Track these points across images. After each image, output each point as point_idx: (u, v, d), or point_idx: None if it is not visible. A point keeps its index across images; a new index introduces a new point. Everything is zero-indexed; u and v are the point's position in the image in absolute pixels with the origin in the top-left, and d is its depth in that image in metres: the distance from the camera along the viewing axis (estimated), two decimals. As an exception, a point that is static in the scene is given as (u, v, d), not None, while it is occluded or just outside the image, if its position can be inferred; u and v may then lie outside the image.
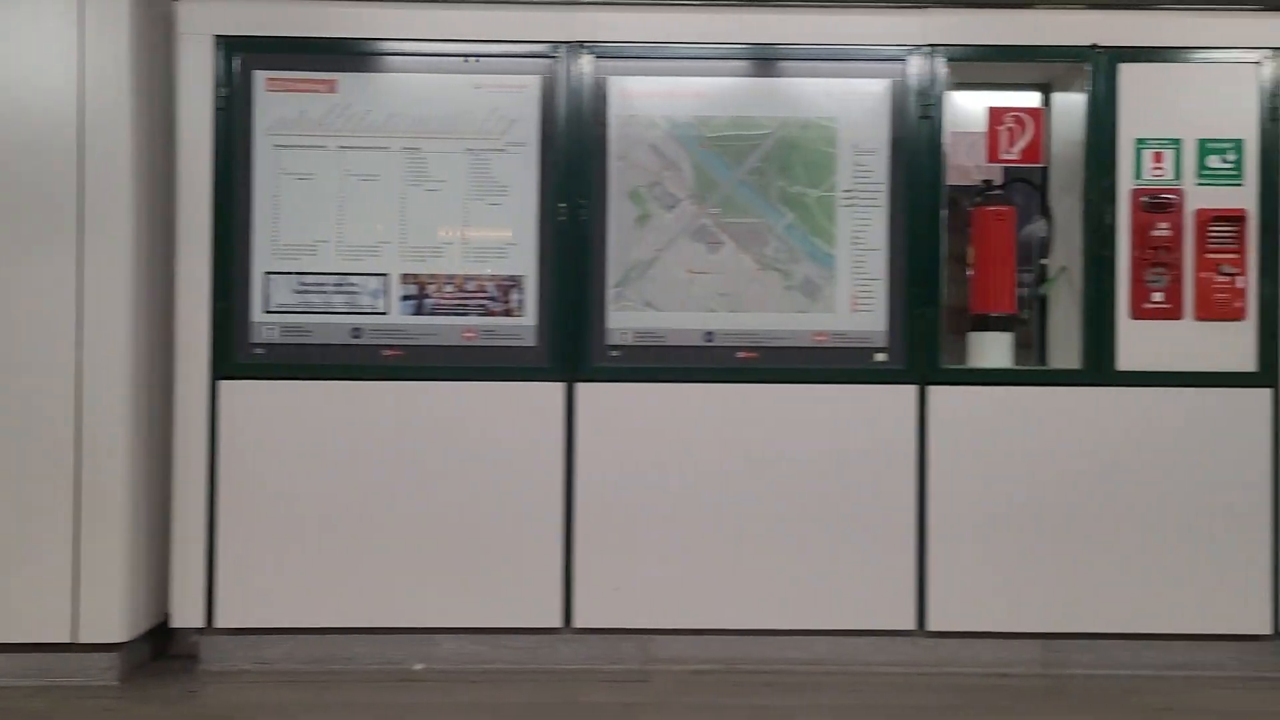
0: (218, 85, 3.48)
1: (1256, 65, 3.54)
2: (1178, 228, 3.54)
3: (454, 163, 3.53)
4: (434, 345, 3.53)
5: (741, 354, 3.55)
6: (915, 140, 3.54)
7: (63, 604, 3.28)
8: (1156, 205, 3.54)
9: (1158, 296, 3.54)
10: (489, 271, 3.54)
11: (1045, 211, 3.83)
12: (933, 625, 3.53)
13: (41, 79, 3.27)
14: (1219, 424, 3.53)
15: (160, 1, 3.50)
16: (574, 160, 3.53)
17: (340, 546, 3.50)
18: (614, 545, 3.52)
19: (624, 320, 3.54)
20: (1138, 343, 3.54)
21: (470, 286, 3.54)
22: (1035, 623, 3.54)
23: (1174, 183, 3.54)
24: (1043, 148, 3.64)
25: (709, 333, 3.55)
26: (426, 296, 3.53)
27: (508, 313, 3.54)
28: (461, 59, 3.54)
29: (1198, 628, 3.54)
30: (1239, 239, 3.53)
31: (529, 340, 3.54)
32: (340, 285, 3.52)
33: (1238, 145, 3.54)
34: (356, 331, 3.53)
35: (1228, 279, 3.53)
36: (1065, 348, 3.69)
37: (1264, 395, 3.53)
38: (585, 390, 3.53)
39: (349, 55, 3.53)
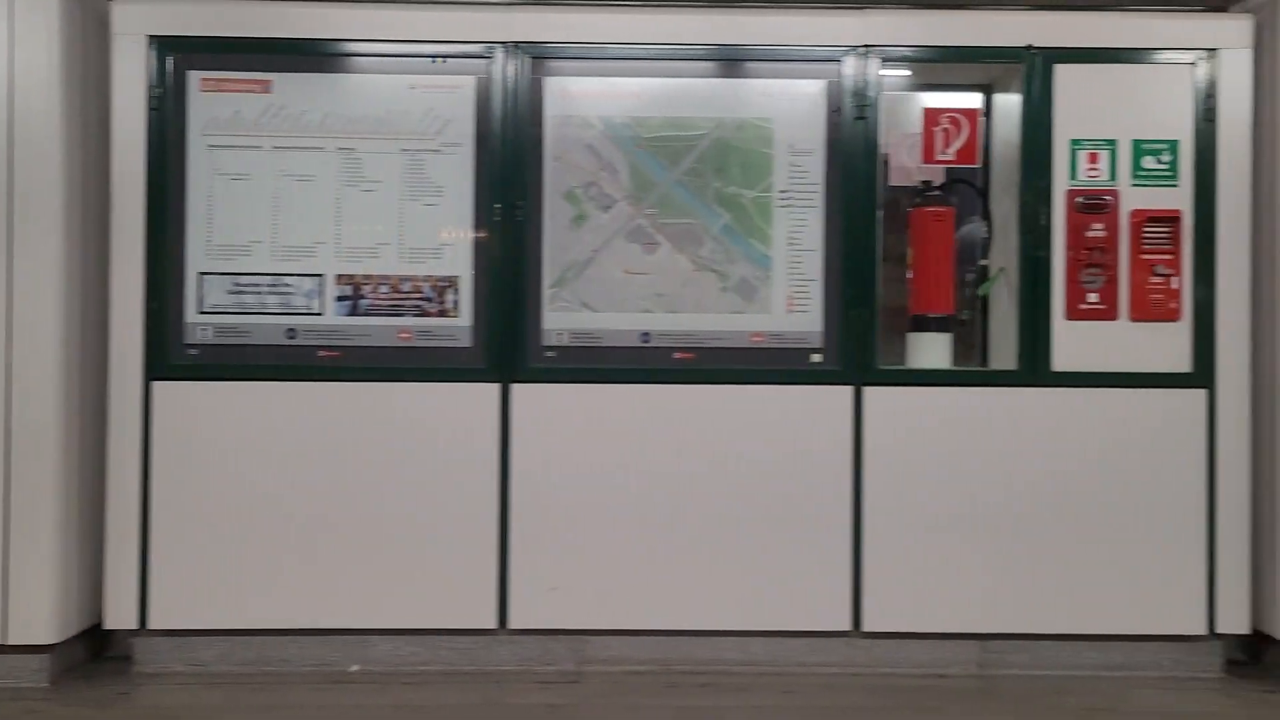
0: (151, 85, 3.47)
1: (1191, 66, 3.54)
2: (1113, 228, 3.54)
3: (389, 163, 3.53)
4: (369, 346, 3.52)
5: (678, 355, 3.55)
6: (851, 141, 3.54)
7: (-9, 605, 3.27)
8: (1091, 206, 3.54)
9: (1093, 297, 3.54)
10: (424, 272, 3.53)
11: (985, 212, 3.84)
12: (868, 626, 3.53)
13: (-30, 79, 3.27)
14: (1154, 425, 3.53)
15: (95, 2, 3.49)
16: (510, 161, 3.52)
17: (275, 548, 3.49)
18: (549, 546, 3.51)
19: (560, 321, 3.54)
20: (1073, 343, 3.54)
21: (406, 287, 3.53)
22: (971, 623, 3.54)
23: (1109, 184, 3.55)
24: (978, 148, 3.64)
25: (645, 333, 3.55)
26: (362, 297, 3.53)
27: (443, 313, 3.53)
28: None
29: (1134, 628, 3.54)
30: (1174, 240, 3.53)
31: (464, 341, 3.53)
32: (275, 286, 3.52)
33: (1173, 146, 3.55)
34: (291, 332, 3.52)
35: (1163, 280, 3.53)
36: (1006, 349, 3.69)
37: (1199, 396, 3.53)
38: (520, 391, 3.52)
39: (284, 55, 3.52)
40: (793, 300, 3.56)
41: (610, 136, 3.55)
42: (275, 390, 3.51)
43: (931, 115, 3.62)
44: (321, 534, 3.49)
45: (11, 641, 3.29)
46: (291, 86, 3.52)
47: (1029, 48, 3.55)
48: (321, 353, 3.52)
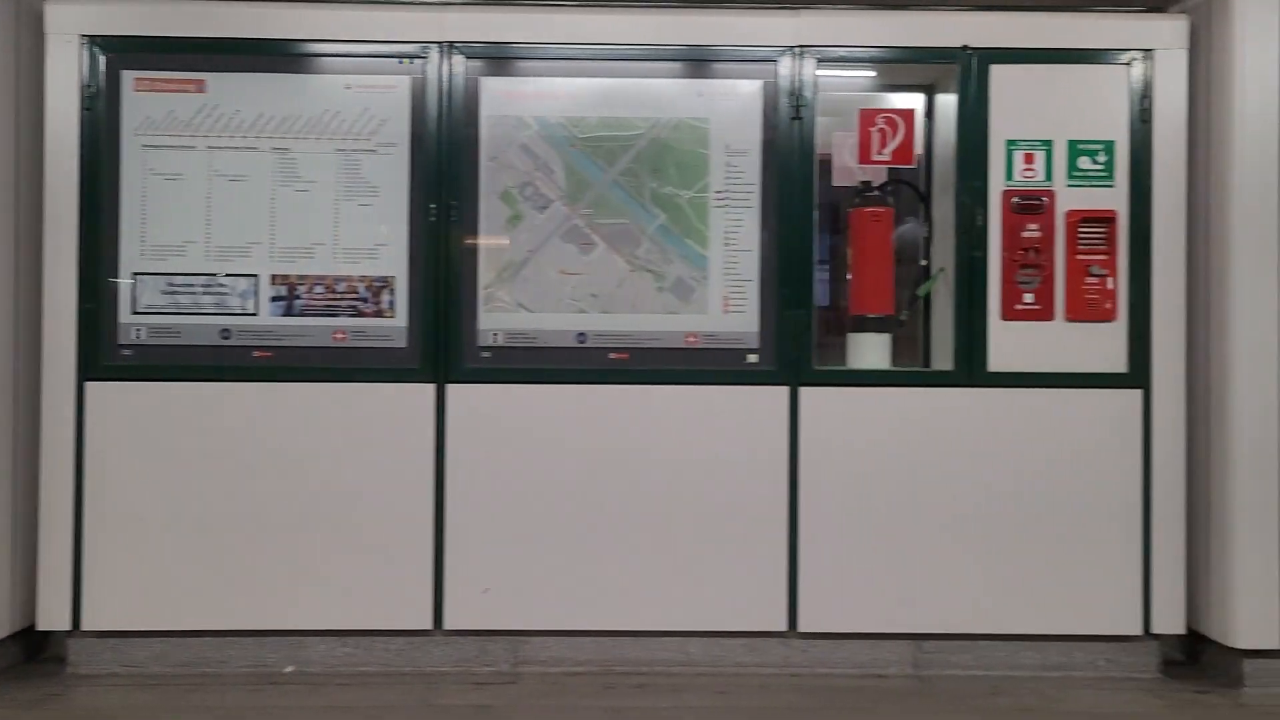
0: (85, 85, 3.47)
1: (1127, 67, 3.55)
2: (1048, 229, 3.54)
3: (324, 163, 3.52)
4: (304, 346, 3.52)
5: (614, 355, 3.54)
6: (787, 141, 3.54)
7: (-80, 607, 3.27)
8: (1027, 206, 3.54)
9: (1028, 298, 3.54)
10: (360, 272, 3.52)
11: (927, 213, 3.84)
12: (805, 626, 3.53)
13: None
14: (1090, 425, 3.53)
15: (29, 1, 3.48)
16: (445, 161, 3.52)
17: (212, 549, 3.48)
18: (485, 547, 3.51)
19: (495, 321, 3.54)
20: (1009, 344, 3.54)
21: (341, 287, 3.52)
22: (908, 624, 3.54)
23: (1045, 184, 3.55)
24: (914, 149, 3.63)
25: (581, 334, 3.55)
26: (297, 297, 3.52)
27: (379, 314, 3.53)
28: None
29: (1071, 628, 3.55)
30: (1109, 240, 3.53)
31: (400, 341, 3.52)
32: (209, 286, 3.51)
33: (1108, 146, 3.55)
34: (226, 333, 3.51)
35: (1098, 280, 3.53)
36: (947, 349, 3.69)
37: (1134, 396, 3.53)
38: (456, 391, 3.52)
39: (218, 55, 3.52)
40: (729, 301, 3.55)
41: (546, 137, 3.55)
42: (210, 391, 3.50)
43: (867, 116, 3.61)
44: (257, 535, 3.48)
45: (-60, 643, 3.28)
46: (226, 86, 3.51)
47: (965, 48, 3.55)
48: (256, 353, 3.51)
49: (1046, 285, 3.54)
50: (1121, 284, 3.54)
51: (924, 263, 3.82)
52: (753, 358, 3.55)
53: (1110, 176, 3.55)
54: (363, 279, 3.52)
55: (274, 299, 3.51)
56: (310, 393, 3.51)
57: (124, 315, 3.49)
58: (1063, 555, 3.52)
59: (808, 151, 3.55)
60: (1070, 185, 3.55)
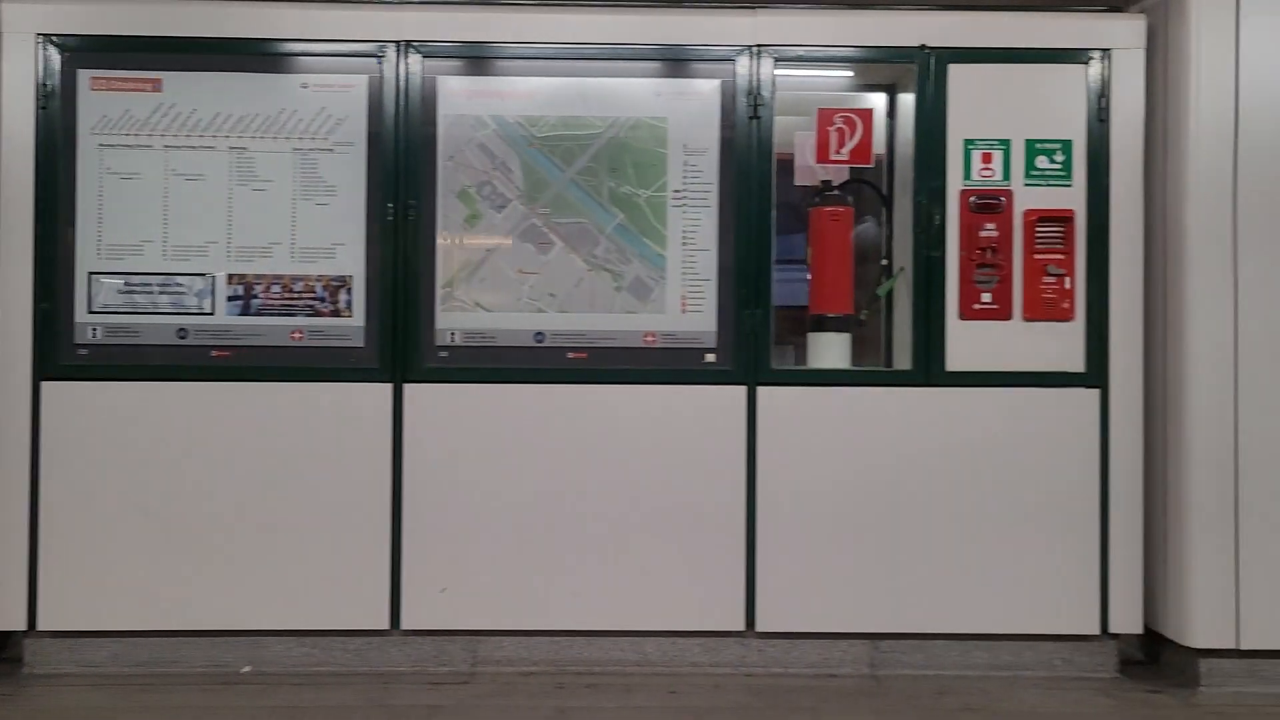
0: (40, 84, 3.46)
1: (1084, 66, 3.54)
2: (1006, 228, 3.54)
3: (281, 162, 3.52)
4: (261, 346, 3.51)
5: (572, 355, 3.54)
6: (745, 141, 3.54)
7: (-127, 607, 3.26)
8: (985, 206, 3.54)
9: (986, 297, 3.54)
10: (317, 272, 3.52)
11: (888, 212, 3.84)
12: (761, 626, 3.53)
13: None
14: (1048, 425, 3.53)
15: (-15, 0, 3.48)
16: (403, 160, 3.51)
17: (168, 548, 3.47)
18: (443, 546, 3.50)
19: (453, 321, 3.53)
20: (967, 343, 3.54)
21: (298, 287, 3.52)
22: (864, 623, 3.54)
23: (1003, 183, 3.55)
24: (872, 149, 3.63)
25: (539, 333, 3.54)
26: (254, 297, 3.51)
27: (336, 313, 3.52)
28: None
29: (1028, 628, 3.55)
30: (1067, 239, 3.53)
31: (357, 341, 3.52)
32: (166, 285, 3.50)
33: (1066, 146, 3.55)
34: (183, 332, 3.51)
35: (1056, 280, 3.53)
36: (907, 348, 3.69)
37: (1092, 395, 3.53)
38: (413, 391, 3.51)
39: (174, 54, 3.51)
40: (687, 300, 3.55)
41: (504, 136, 3.55)
42: (166, 390, 3.49)
43: (825, 115, 3.61)
44: (215, 535, 3.48)
45: (-107, 643, 3.28)
46: (183, 85, 3.51)
47: (923, 48, 3.55)
48: (213, 353, 3.51)
49: (1004, 285, 3.54)
50: (1079, 283, 3.54)
51: (885, 262, 3.82)
52: (711, 357, 3.54)
53: (1068, 176, 3.55)
54: (320, 278, 3.52)
55: (231, 298, 3.51)
56: (267, 392, 3.50)
57: (80, 315, 3.49)
58: (1020, 555, 3.52)
59: (766, 151, 3.54)
60: (1028, 185, 3.55)
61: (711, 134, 3.55)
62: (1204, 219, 3.40)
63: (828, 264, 3.70)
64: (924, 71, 3.55)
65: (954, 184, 3.55)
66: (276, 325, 3.51)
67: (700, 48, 3.55)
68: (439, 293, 3.53)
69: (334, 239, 3.52)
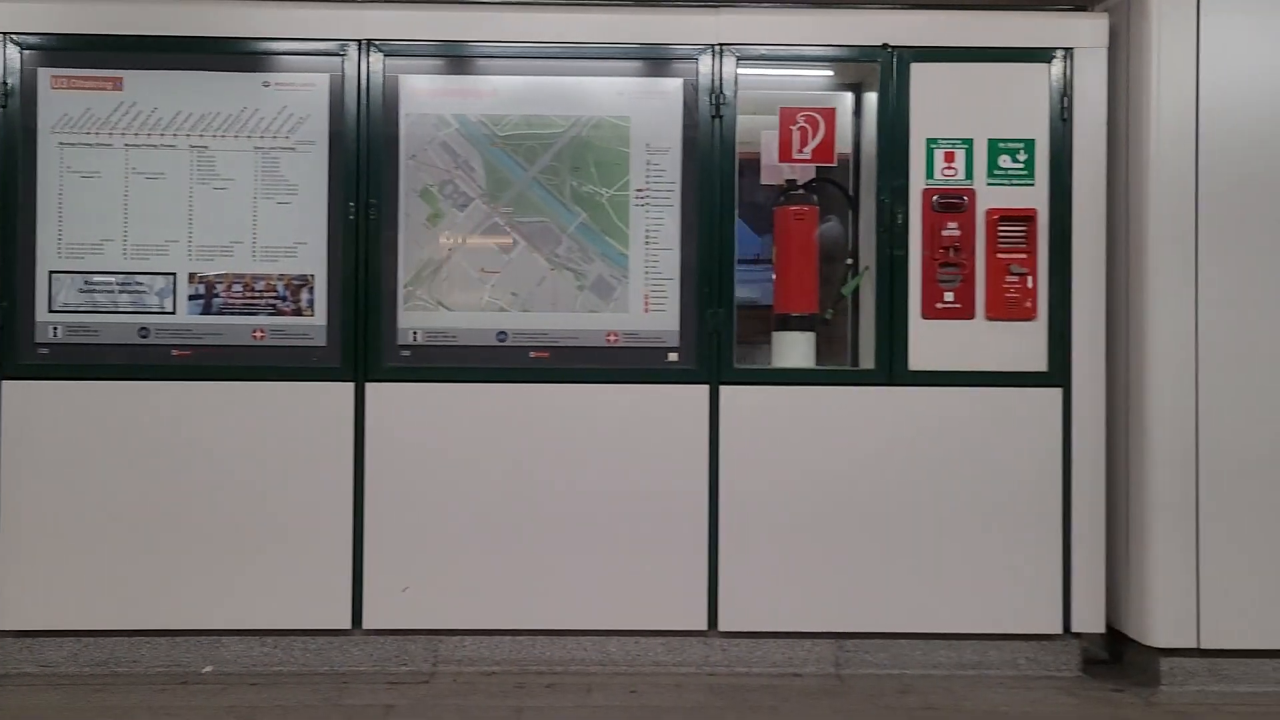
0: (1, 82, 3.45)
1: (1048, 65, 3.55)
2: (969, 228, 3.54)
3: (242, 161, 3.51)
4: (223, 345, 3.50)
5: (534, 354, 3.53)
6: (708, 140, 3.53)
7: None
8: (948, 205, 3.54)
9: (949, 296, 3.54)
10: (279, 271, 3.51)
11: (854, 212, 3.84)
12: (724, 626, 3.52)
13: None
14: (1010, 424, 3.53)
15: (-54, -2, 3.47)
16: (364, 159, 3.51)
17: (127, 547, 3.46)
18: (404, 546, 3.49)
19: (415, 320, 3.52)
20: (929, 342, 3.54)
21: (260, 286, 3.51)
22: (828, 622, 3.53)
23: (965, 183, 3.55)
24: (835, 148, 3.62)
25: (501, 332, 3.54)
26: (215, 296, 3.50)
27: (298, 312, 3.51)
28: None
29: (992, 627, 3.54)
30: (1029, 239, 3.53)
31: (319, 340, 3.51)
32: (126, 284, 3.49)
33: (1029, 145, 3.55)
34: (144, 331, 3.49)
35: (1018, 279, 3.53)
36: (871, 348, 3.68)
37: (1054, 395, 3.53)
38: (375, 390, 3.50)
39: (135, 52, 3.50)
40: (650, 300, 3.55)
41: (466, 135, 3.54)
42: (127, 390, 3.48)
43: (788, 114, 3.61)
44: (176, 534, 3.46)
45: None
46: (143, 84, 3.50)
47: (885, 46, 3.55)
48: (174, 352, 3.50)
49: (967, 284, 3.54)
50: (1041, 283, 3.54)
51: (849, 261, 3.82)
52: (673, 356, 3.54)
53: (1030, 175, 3.55)
54: (282, 277, 3.51)
55: (192, 297, 3.50)
56: (229, 391, 3.49)
57: (41, 314, 3.47)
58: (983, 554, 3.52)
59: (729, 150, 3.54)
60: (991, 184, 3.55)
61: (674, 133, 3.55)
62: (1166, 219, 3.40)
63: (792, 263, 3.70)
64: (887, 70, 3.55)
65: (917, 183, 3.55)
66: (238, 324, 3.50)
67: (663, 46, 3.55)
68: (401, 292, 3.52)
69: (295, 238, 3.51)
